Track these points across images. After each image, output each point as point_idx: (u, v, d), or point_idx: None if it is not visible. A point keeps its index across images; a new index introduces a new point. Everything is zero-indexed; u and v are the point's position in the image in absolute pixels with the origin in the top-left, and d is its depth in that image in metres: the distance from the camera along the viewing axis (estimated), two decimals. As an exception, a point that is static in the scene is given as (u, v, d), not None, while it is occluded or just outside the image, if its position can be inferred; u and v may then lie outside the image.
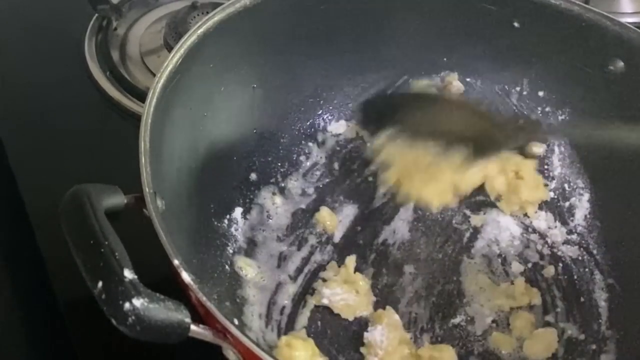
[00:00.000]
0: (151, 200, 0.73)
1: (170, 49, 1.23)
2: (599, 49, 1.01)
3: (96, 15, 1.36)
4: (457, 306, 0.99)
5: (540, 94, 1.10)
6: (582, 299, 0.99)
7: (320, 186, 1.11)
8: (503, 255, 1.05)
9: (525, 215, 1.09)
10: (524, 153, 1.10)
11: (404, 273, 1.02)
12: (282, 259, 1.02)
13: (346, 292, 0.97)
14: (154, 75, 0.89)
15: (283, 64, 1.05)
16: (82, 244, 0.65)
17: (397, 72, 1.13)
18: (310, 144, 1.12)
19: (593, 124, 1.06)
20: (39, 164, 1.12)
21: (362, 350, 0.93)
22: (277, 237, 1.04)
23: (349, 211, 1.09)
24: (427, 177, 1.02)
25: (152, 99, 0.82)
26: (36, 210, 1.05)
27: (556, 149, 1.11)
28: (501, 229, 1.08)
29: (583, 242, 1.05)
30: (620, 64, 1.00)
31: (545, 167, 1.11)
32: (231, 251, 0.97)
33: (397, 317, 0.95)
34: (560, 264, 1.04)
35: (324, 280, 1.00)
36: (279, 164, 1.09)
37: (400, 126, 1.02)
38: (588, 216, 1.06)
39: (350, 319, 0.97)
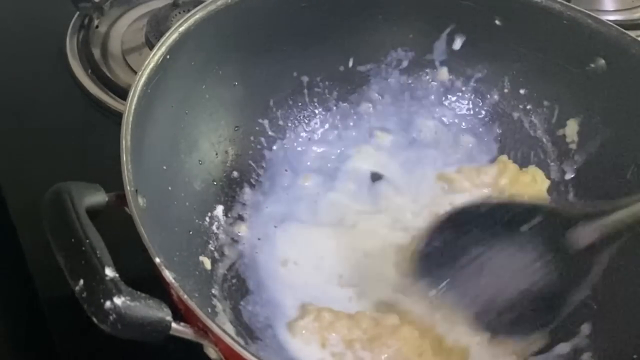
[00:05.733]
0: (132, 198, 0.73)
1: (151, 46, 1.23)
2: (581, 47, 1.02)
3: (77, 13, 1.35)
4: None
5: (522, 91, 1.10)
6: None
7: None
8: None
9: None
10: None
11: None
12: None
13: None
14: (136, 73, 0.88)
15: (264, 62, 1.05)
16: (63, 242, 0.65)
17: (380, 68, 1.13)
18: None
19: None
20: (20, 162, 1.12)
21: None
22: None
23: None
24: None
25: (134, 96, 0.82)
26: (17, 208, 1.05)
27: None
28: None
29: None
30: (602, 62, 1.00)
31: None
32: (212, 249, 0.96)
33: None
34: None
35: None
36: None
37: None
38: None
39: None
